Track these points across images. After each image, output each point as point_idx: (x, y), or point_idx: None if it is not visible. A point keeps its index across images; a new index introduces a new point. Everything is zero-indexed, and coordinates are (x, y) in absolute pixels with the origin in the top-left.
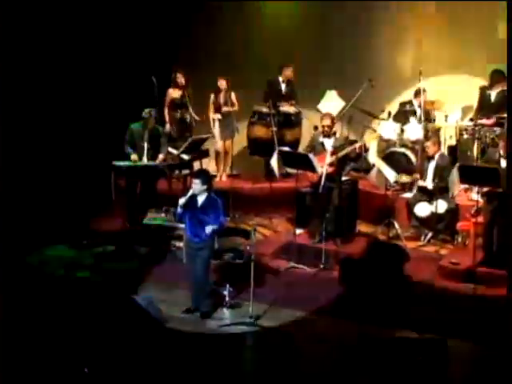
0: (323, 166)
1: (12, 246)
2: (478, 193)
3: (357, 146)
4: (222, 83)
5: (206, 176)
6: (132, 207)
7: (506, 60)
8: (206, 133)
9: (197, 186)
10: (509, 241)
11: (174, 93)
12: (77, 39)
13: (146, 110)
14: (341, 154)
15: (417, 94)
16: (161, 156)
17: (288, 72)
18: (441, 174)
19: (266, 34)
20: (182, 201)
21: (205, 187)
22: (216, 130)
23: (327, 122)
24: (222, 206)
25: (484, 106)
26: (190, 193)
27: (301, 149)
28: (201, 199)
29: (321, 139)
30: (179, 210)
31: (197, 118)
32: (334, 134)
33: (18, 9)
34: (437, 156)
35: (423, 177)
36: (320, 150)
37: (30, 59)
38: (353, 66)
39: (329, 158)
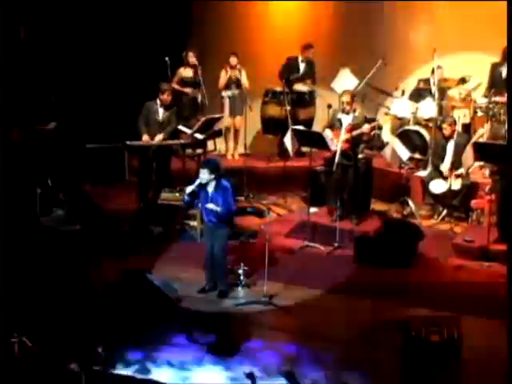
0: (337, 143)
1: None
2: (489, 171)
3: (367, 127)
4: (233, 60)
5: (213, 165)
6: (144, 186)
7: (507, 59)
8: (218, 112)
9: (204, 175)
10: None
11: (185, 72)
12: (92, 21)
13: (163, 84)
14: (355, 132)
15: (433, 71)
16: (160, 136)
17: (308, 53)
18: (460, 152)
19: (280, 13)
20: (188, 189)
21: (213, 176)
22: (226, 106)
23: (347, 98)
24: (232, 194)
25: (495, 83)
26: (197, 182)
27: (317, 126)
28: (211, 188)
29: (339, 116)
30: (186, 197)
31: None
32: (354, 111)
33: None
34: (455, 135)
35: (442, 157)
36: (337, 127)
37: (47, 39)
38: (366, 43)
39: (344, 135)
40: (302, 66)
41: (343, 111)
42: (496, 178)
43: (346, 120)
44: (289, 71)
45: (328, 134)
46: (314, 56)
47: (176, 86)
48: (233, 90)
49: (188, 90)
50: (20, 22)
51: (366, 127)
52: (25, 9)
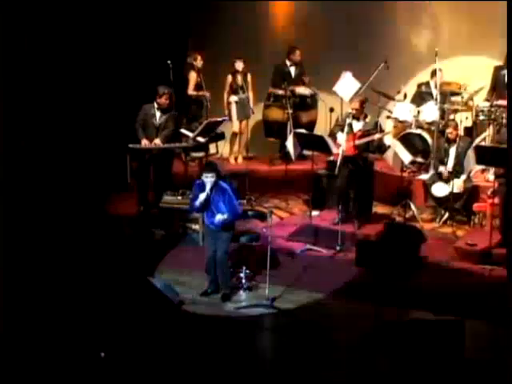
0: (344, 147)
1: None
2: (494, 174)
3: (378, 136)
4: (239, 64)
5: (216, 167)
6: (144, 190)
7: (507, 59)
8: (221, 115)
9: (212, 179)
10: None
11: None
12: (94, 22)
13: (161, 88)
14: (366, 139)
15: (433, 74)
16: (157, 140)
17: (295, 56)
18: (463, 155)
19: (280, 14)
20: (202, 197)
21: (216, 179)
22: (233, 111)
23: (355, 105)
24: (234, 194)
25: (497, 86)
26: (208, 188)
27: (319, 130)
28: (211, 192)
29: (349, 120)
30: (198, 205)
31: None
32: (365, 117)
33: None
34: (457, 139)
35: (443, 161)
36: (346, 132)
37: (49, 40)
38: (368, 45)
39: (353, 141)
40: (292, 70)
41: (353, 117)
42: (501, 181)
43: (357, 126)
44: (281, 78)
45: (340, 137)
46: (316, 59)
47: (193, 92)
48: (239, 94)
49: (206, 93)
50: (23, 28)
51: (377, 136)
52: (27, 14)
